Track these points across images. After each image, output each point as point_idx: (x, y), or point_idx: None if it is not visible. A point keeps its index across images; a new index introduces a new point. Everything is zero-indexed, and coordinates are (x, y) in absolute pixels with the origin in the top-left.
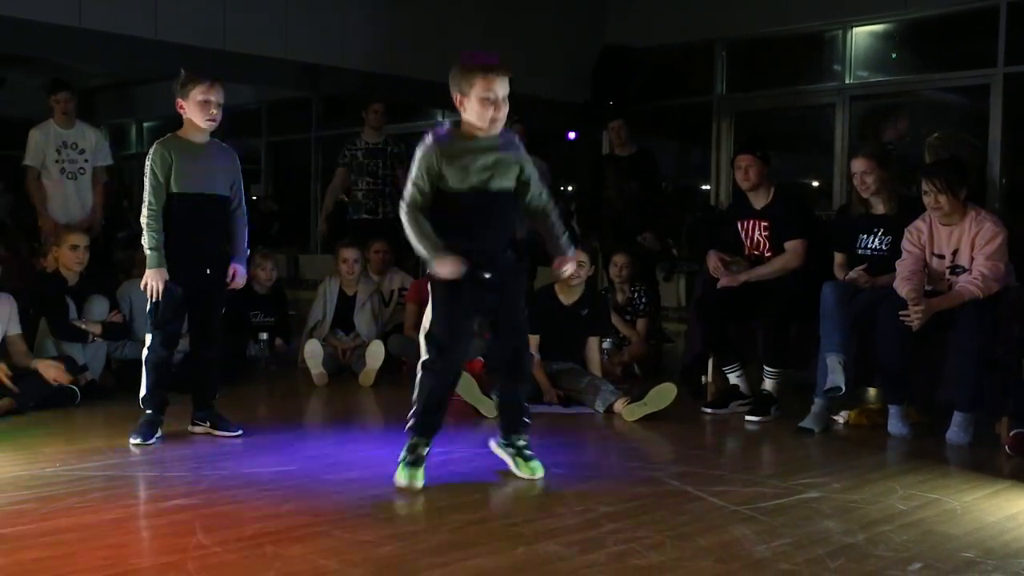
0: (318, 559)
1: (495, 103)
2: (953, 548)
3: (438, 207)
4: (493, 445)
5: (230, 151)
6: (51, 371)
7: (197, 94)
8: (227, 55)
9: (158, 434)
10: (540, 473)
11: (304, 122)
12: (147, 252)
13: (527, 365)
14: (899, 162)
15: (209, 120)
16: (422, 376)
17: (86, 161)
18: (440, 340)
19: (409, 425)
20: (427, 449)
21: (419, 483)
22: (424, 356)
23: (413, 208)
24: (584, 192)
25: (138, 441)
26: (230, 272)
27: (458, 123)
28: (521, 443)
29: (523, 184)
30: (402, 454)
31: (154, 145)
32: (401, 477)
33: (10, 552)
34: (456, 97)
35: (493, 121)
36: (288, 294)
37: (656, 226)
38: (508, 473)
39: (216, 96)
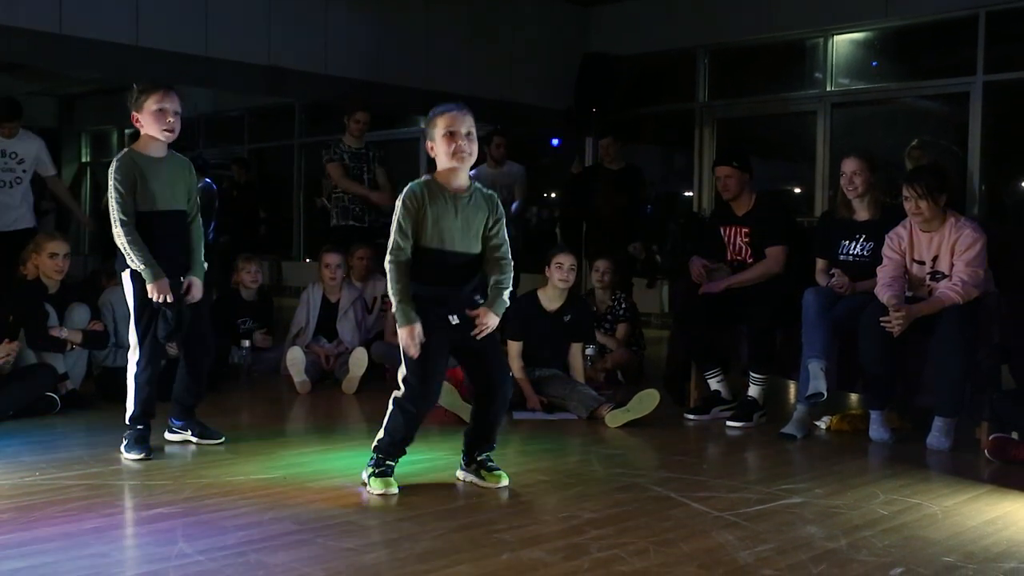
0: (302, 567)
1: (457, 135)
2: (934, 552)
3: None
4: (459, 473)
5: (187, 162)
6: None
7: (151, 104)
8: (209, 61)
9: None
10: (505, 481)
11: (287, 129)
12: (141, 269)
13: (507, 399)
14: (883, 170)
15: (166, 130)
16: (395, 411)
17: (24, 171)
18: (415, 386)
19: (377, 446)
20: (395, 462)
21: (394, 489)
22: (399, 394)
23: (397, 260)
24: (568, 201)
25: (140, 456)
26: (184, 284)
27: (431, 176)
28: (482, 457)
29: (488, 234)
30: (370, 468)
31: (114, 163)
32: (376, 486)
33: None
34: (428, 145)
35: (458, 152)
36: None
37: (643, 237)
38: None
39: (172, 104)
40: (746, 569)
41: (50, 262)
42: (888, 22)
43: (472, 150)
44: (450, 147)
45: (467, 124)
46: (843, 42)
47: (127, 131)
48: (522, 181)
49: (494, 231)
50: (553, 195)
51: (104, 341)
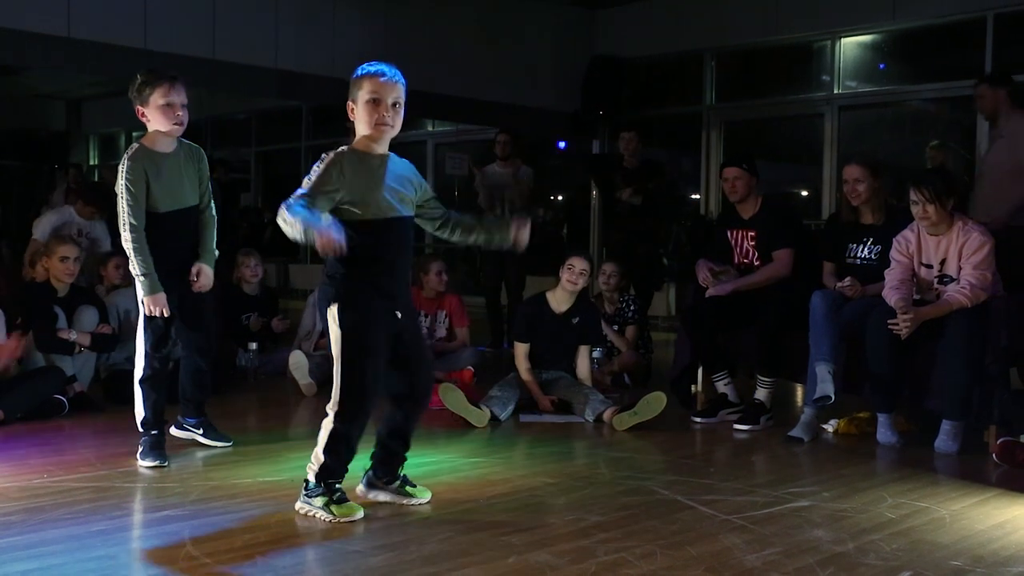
0: (308, 569)
1: (382, 104)
2: (942, 556)
3: (352, 239)
4: (370, 494)
5: (198, 151)
6: None
7: (158, 98)
8: (217, 64)
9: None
10: (428, 495)
11: (293, 132)
12: (140, 279)
13: (427, 404)
14: (890, 173)
15: (176, 124)
16: (334, 430)
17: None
18: (359, 395)
19: (320, 473)
20: (341, 482)
21: (360, 513)
22: (337, 408)
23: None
24: (576, 200)
25: (156, 463)
26: (193, 271)
27: (349, 147)
28: (402, 473)
29: (428, 204)
30: (322, 499)
31: (125, 162)
32: (342, 513)
33: None
34: (348, 106)
35: (379, 124)
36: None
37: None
38: (498, 483)
39: (179, 97)
40: (753, 572)
41: (61, 266)
42: (896, 24)
43: (396, 123)
44: (372, 116)
45: (395, 94)
46: (850, 44)
47: (135, 134)
48: (528, 180)
49: (428, 194)
50: (560, 198)
51: (112, 344)
